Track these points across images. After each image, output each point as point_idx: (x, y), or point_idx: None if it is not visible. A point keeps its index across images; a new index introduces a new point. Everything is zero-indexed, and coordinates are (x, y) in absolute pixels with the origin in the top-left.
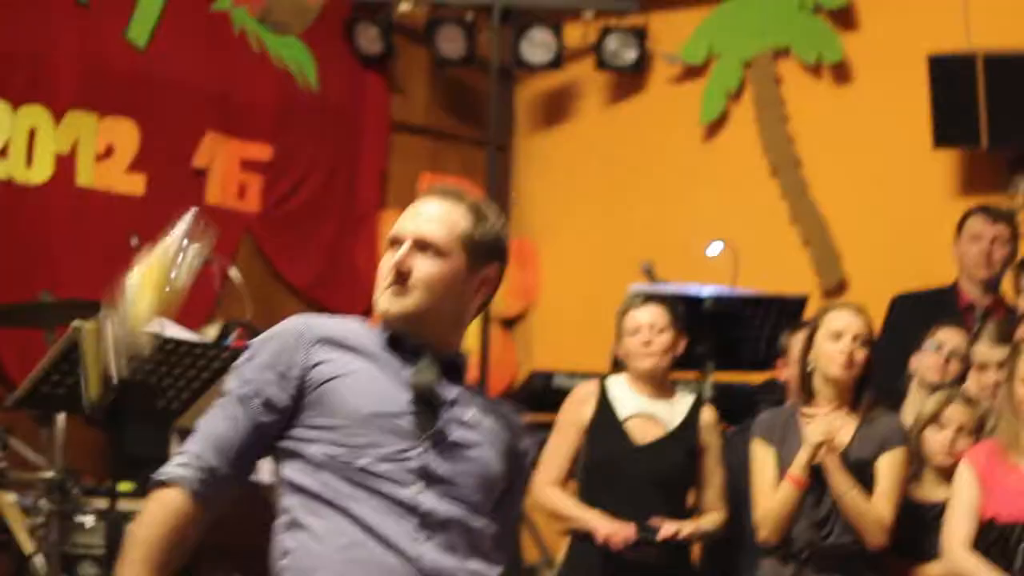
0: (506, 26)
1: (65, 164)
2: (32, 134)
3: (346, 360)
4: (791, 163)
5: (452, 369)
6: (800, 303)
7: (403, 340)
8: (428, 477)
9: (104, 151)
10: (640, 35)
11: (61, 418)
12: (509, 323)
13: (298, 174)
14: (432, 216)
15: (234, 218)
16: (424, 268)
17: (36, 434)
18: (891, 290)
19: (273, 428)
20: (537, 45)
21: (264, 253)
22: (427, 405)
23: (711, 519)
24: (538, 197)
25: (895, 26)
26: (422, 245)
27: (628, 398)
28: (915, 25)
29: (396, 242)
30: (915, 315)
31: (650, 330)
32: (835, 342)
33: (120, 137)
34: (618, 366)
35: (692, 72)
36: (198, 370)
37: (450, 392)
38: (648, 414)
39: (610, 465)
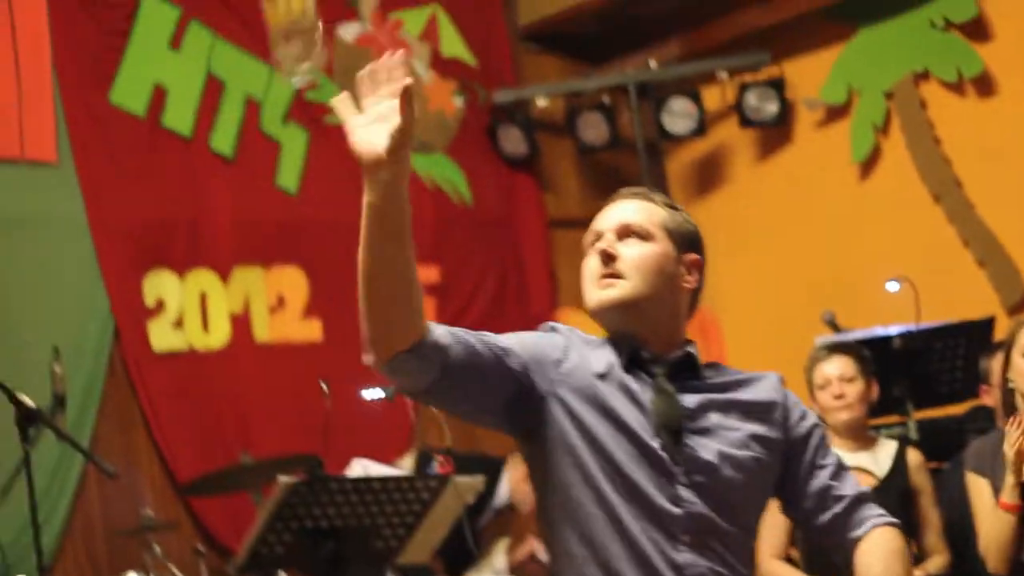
0: (645, 102)
1: (241, 323)
2: (203, 298)
3: None
4: (952, 185)
5: (685, 368)
6: (987, 325)
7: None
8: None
9: (276, 302)
10: (778, 86)
11: None
12: None
13: (468, 289)
14: (628, 207)
15: None
16: (632, 251)
17: None
18: None
19: None
20: (679, 115)
21: None
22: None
23: (936, 563)
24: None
25: None
26: (625, 231)
27: None
28: None
29: (597, 238)
30: None
31: (839, 381)
32: None
33: (289, 286)
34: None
35: (835, 113)
36: (408, 504)
37: (689, 400)
38: (855, 466)
39: None
